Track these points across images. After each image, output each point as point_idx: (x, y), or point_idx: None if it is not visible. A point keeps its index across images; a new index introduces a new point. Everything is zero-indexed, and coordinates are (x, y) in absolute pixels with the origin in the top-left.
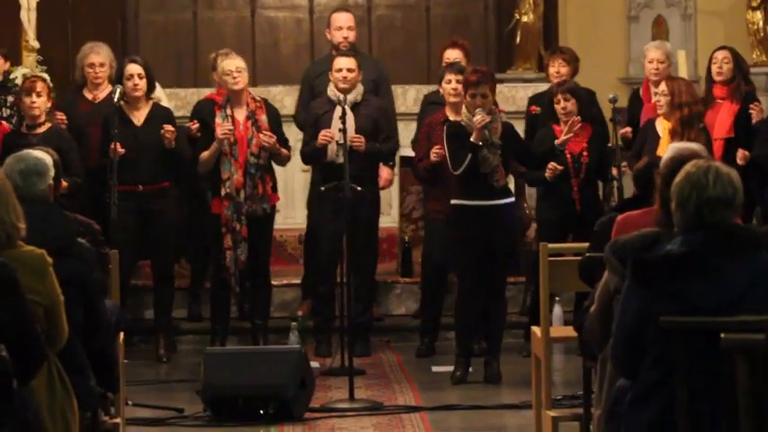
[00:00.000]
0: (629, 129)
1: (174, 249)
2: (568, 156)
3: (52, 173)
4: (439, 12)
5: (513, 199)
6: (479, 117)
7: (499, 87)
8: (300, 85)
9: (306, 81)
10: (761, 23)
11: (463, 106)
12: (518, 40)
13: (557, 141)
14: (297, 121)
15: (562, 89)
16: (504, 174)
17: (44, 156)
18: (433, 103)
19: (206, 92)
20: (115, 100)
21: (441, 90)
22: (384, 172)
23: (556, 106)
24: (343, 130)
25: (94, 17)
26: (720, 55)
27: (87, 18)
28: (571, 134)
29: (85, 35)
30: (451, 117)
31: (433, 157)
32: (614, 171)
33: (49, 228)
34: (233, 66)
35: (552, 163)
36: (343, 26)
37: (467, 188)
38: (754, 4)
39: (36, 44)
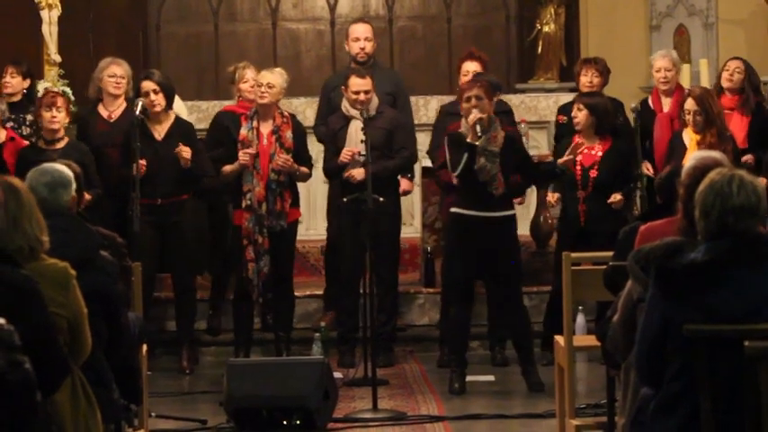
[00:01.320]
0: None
1: (195, 262)
2: (578, 168)
3: (74, 186)
4: (460, 23)
5: (513, 212)
6: (471, 116)
7: (521, 97)
8: (319, 97)
9: (324, 93)
10: None
11: (463, 119)
12: (540, 50)
13: (559, 161)
14: (316, 133)
15: (579, 99)
16: (504, 183)
17: (66, 169)
18: (450, 114)
19: (228, 104)
20: (137, 113)
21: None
22: (402, 182)
23: (572, 115)
24: (366, 142)
25: (116, 30)
26: (733, 64)
27: (109, 31)
28: (572, 156)
29: (107, 49)
30: None
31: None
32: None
33: (72, 240)
34: (264, 80)
35: (549, 195)
36: (360, 37)
37: (466, 197)
38: None
39: (58, 58)
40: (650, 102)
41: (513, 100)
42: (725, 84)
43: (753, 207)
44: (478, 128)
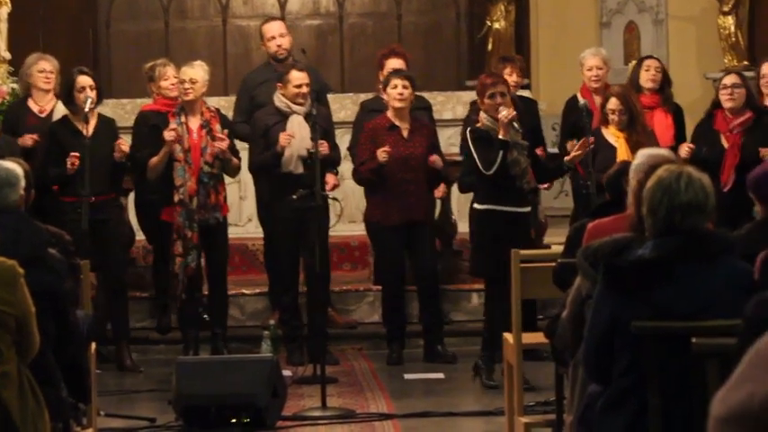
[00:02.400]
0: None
1: (124, 260)
2: None
3: (23, 183)
4: (410, 20)
5: (530, 208)
6: (505, 112)
7: (471, 94)
8: (238, 93)
9: (245, 90)
10: (732, 28)
11: (481, 112)
12: (490, 46)
13: (566, 159)
14: (236, 130)
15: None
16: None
17: (15, 166)
18: (372, 111)
19: (147, 103)
20: (86, 109)
21: (385, 96)
22: (330, 178)
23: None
24: (315, 139)
25: (66, 28)
26: (653, 63)
27: (59, 29)
28: (580, 153)
29: (57, 46)
30: (396, 122)
31: (381, 156)
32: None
33: (20, 238)
34: (186, 76)
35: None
36: (275, 35)
37: (495, 192)
38: (726, 8)
39: (7, 55)
40: (579, 99)
41: (463, 97)
42: (647, 84)
43: (701, 204)
44: (516, 125)
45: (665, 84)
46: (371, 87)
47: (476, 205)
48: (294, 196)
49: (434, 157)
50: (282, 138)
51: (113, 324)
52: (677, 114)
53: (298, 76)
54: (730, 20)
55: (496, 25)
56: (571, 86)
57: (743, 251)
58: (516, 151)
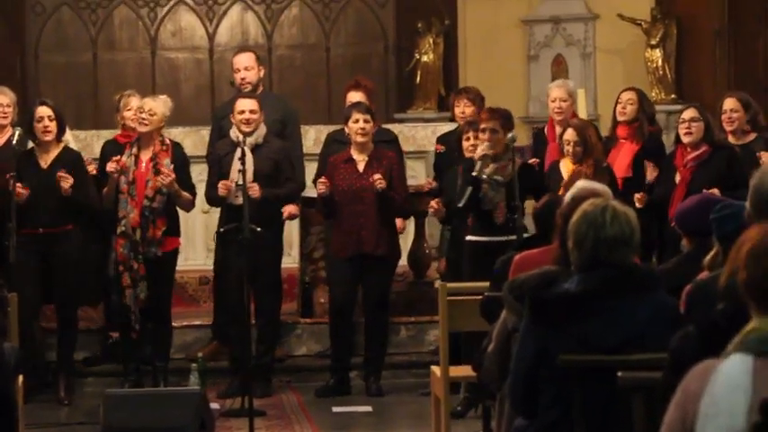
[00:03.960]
0: (536, 160)
1: (78, 293)
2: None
3: None
4: (339, 52)
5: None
6: (479, 150)
7: (399, 127)
8: (211, 125)
9: (215, 121)
10: (660, 62)
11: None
12: (418, 79)
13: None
14: (207, 162)
15: (473, 127)
16: (505, 212)
17: None
18: (337, 141)
19: (106, 133)
20: (14, 143)
21: (346, 129)
22: (290, 207)
23: (465, 143)
24: (243, 171)
25: None
26: (625, 96)
27: None
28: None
29: None
30: (355, 156)
31: (319, 188)
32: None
33: None
34: (146, 107)
35: (433, 201)
36: (240, 68)
37: (477, 224)
38: (653, 42)
39: None
40: (546, 131)
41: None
42: (619, 117)
43: (626, 238)
44: (479, 164)
45: (640, 115)
46: (301, 119)
47: (467, 237)
48: (221, 229)
49: (375, 176)
50: (220, 188)
51: (57, 355)
52: (648, 146)
53: (241, 103)
54: (658, 53)
55: (425, 58)
56: None
57: (669, 285)
58: (489, 187)
